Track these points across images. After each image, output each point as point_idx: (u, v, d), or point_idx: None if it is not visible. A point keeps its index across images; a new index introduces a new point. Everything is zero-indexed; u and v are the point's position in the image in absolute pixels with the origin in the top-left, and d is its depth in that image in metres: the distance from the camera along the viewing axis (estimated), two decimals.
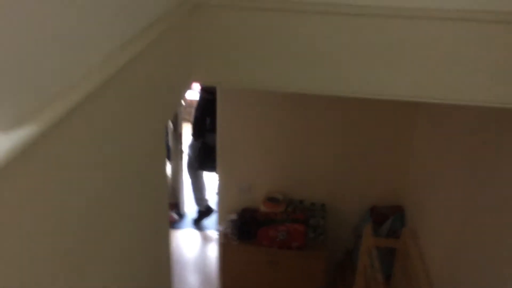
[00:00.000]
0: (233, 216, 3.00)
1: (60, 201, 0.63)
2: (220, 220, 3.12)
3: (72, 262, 0.70)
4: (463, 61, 1.12)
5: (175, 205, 4.84)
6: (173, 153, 4.46)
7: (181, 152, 4.54)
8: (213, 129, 3.55)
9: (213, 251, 4.09)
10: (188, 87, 1.38)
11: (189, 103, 4.86)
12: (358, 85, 1.19)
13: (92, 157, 0.73)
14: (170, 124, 4.33)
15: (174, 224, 4.69)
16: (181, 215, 4.83)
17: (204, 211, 4.49)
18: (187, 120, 5.06)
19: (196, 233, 4.57)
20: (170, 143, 4.26)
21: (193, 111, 4.21)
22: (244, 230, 2.88)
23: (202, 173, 4.33)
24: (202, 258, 4.20)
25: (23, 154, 0.51)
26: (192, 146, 4.15)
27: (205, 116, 3.87)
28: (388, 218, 2.80)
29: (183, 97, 1.38)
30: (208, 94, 3.90)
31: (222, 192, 3.13)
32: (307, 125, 2.87)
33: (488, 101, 1.16)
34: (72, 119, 0.63)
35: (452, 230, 2.05)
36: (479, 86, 1.14)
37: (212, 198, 4.25)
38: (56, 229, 0.62)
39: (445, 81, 1.15)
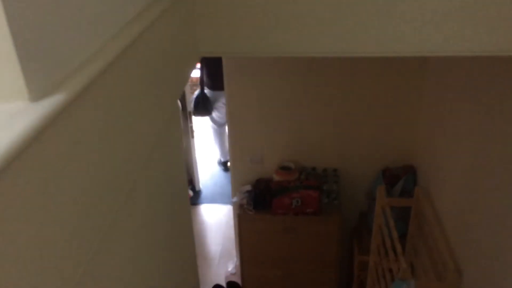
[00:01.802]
0: (247, 187, 3.05)
1: (87, 166, 0.67)
2: (235, 192, 3.18)
3: (97, 226, 0.73)
4: (467, 8, 1.12)
5: (190, 182, 4.94)
6: (184, 131, 4.51)
7: (191, 130, 4.59)
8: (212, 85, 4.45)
9: (230, 224, 4.19)
10: (196, 60, 1.40)
11: (194, 81, 4.87)
12: (363, 44, 1.20)
13: (111, 129, 0.76)
14: (179, 103, 4.37)
15: (189, 200, 4.79)
16: (196, 191, 4.93)
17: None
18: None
19: (212, 207, 4.68)
20: (180, 121, 4.31)
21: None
22: (259, 200, 2.93)
23: (224, 130, 4.85)
24: (219, 232, 4.31)
25: (54, 122, 0.54)
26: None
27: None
28: (401, 179, 2.83)
29: (191, 71, 1.40)
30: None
31: (235, 165, 3.17)
32: (314, 92, 2.88)
33: (500, 50, 1.16)
34: (94, 89, 0.66)
35: (466, 185, 2.08)
36: (488, 34, 1.15)
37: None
38: (84, 194, 0.66)
39: (451, 31, 1.16)
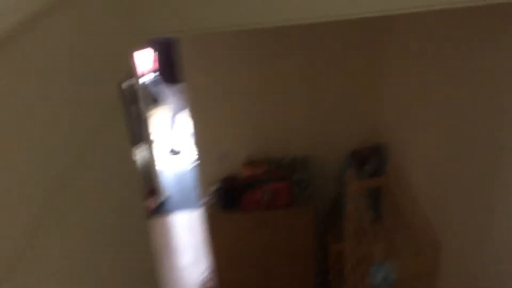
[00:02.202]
0: (215, 186, 2.92)
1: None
2: (203, 193, 3.04)
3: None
4: None
5: (154, 191, 4.76)
6: (142, 138, 4.33)
7: (148, 136, 4.42)
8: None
9: (199, 230, 4.04)
10: (139, 42, 1.27)
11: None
12: (320, 7, 1.11)
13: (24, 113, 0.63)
14: (133, 109, 4.20)
15: (155, 210, 4.61)
16: (162, 200, 4.75)
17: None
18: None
19: (181, 215, 4.51)
20: (135, 128, 4.13)
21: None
22: (228, 198, 2.81)
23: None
24: (191, 239, 4.14)
25: None
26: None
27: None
28: (370, 160, 2.78)
29: (132, 53, 1.26)
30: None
31: (201, 164, 3.04)
32: (274, 80, 2.79)
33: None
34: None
35: (439, 158, 2.03)
36: None
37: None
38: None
39: None
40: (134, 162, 1.56)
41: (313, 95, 2.83)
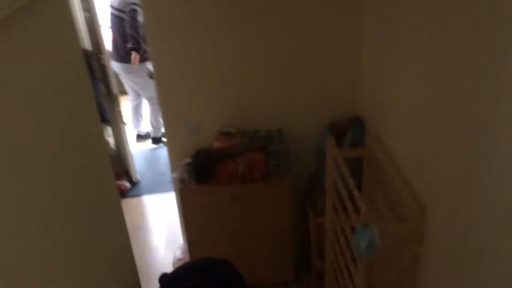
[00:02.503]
0: (187, 160, 2.76)
1: None
2: (173, 168, 2.87)
3: None
4: None
5: (126, 173, 4.57)
6: (112, 117, 4.12)
7: (120, 115, 4.21)
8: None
9: (173, 211, 3.89)
10: None
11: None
12: None
13: None
14: (102, 86, 3.98)
15: (127, 192, 4.43)
16: (133, 183, 4.57)
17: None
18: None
19: (152, 197, 4.34)
20: (105, 106, 3.91)
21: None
22: (201, 171, 2.65)
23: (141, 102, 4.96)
24: (163, 220, 3.98)
25: None
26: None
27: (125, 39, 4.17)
28: (348, 131, 2.67)
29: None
30: (115, 10, 4.19)
31: (170, 136, 2.87)
32: (247, 47, 2.63)
33: None
34: None
35: (419, 121, 1.92)
36: None
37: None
38: None
39: None
40: (103, 137, 1.41)
41: (286, 68, 2.68)
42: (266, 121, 2.81)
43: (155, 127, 5.06)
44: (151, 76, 4.59)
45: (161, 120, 4.97)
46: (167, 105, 2.77)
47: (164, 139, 5.09)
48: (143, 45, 4.24)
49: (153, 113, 4.94)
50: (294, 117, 2.82)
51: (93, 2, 3.67)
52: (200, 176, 2.65)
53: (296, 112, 2.81)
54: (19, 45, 0.75)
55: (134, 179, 4.52)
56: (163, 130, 5.05)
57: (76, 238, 0.88)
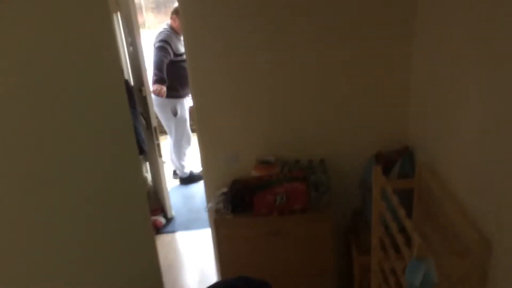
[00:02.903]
0: (223, 190, 2.64)
1: None
2: (209, 198, 2.75)
3: None
4: None
5: (161, 209, 4.49)
6: (149, 150, 4.10)
7: (158, 148, 4.19)
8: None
9: (208, 248, 3.74)
10: None
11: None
12: None
13: None
14: (142, 120, 4.00)
15: (162, 228, 4.33)
16: (168, 219, 4.47)
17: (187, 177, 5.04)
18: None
19: (187, 234, 4.21)
20: (144, 141, 3.89)
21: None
22: (237, 201, 2.52)
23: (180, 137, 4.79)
24: (197, 258, 3.82)
25: None
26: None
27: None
28: (396, 162, 2.48)
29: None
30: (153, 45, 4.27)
31: (206, 166, 2.77)
32: (288, 75, 2.55)
33: None
34: None
35: (478, 147, 1.74)
36: None
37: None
38: None
39: None
40: (141, 172, 1.34)
41: (331, 96, 2.57)
42: (308, 150, 2.67)
43: (177, 166, 5.02)
44: (175, 114, 4.61)
45: (183, 163, 4.96)
46: (205, 134, 2.69)
47: (193, 176, 5.04)
48: (166, 80, 4.32)
49: (175, 152, 4.90)
50: (338, 147, 2.67)
51: (138, 38, 3.75)
52: (236, 206, 2.52)
53: (340, 142, 2.66)
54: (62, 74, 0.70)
55: (169, 215, 4.42)
56: (187, 170, 5.03)
57: (108, 271, 0.79)
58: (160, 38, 4.33)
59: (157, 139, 4.10)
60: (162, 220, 4.31)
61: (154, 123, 4.01)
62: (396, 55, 2.47)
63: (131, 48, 3.84)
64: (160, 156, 4.17)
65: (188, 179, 5.09)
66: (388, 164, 2.52)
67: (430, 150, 2.30)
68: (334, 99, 2.58)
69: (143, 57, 3.85)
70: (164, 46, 4.28)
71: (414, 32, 2.39)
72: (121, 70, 1.69)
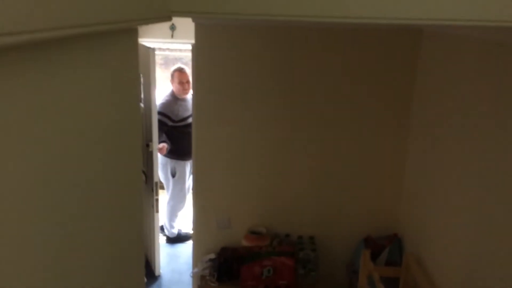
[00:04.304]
0: (211, 256, 2.64)
1: None
2: (196, 262, 2.74)
3: None
4: None
5: (146, 264, 4.40)
6: (146, 206, 4.10)
7: (156, 203, 4.19)
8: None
9: None
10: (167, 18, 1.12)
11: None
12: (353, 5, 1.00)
13: None
14: (142, 175, 4.04)
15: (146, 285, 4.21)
16: (155, 277, 4.37)
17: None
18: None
19: None
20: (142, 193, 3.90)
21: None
22: (224, 270, 2.51)
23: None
24: None
25: None
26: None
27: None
28: (385, 248, 2.51)
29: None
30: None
31: (198, 229, 2.79)
32: (287, 152, 2.63)
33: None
34: None
35: (469, 243, 1.79)
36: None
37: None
38: None
39: None
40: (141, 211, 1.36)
41: (326, 178, 2.65)
42: (299, 226, 2.70)
43: (166, 225, 4.95)
44: (173, 174, 4.65)
45: (173, 224, 4.89)
46: (201, 197, 2.73)
47: (180, 236, 4.95)
48: (166, 142, 4.39)
49: (168, 211, 4.86)
50: (329, 226, 2.70)
51: (154, 94, 3.85)
52: (223, 274, 2.51)
53: (331, 221, 2.70)
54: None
55: (156, 272, 4.33)
56: (175, 230, 4.94)
57: None
58: (158, 109, 4.38)
59: (157, 194, 4.12)
60: (146, 277, 4.23)
61: (156, 178, 4.04)
62: (394, 147, 2.57)
63: (142, 104, 3.97)
64: (157, 211, 4.16)
65: (174, 239, 5.02)
66: (376, 249, 2.54)
67: (418, 240, 2.33)
68: (328, 179, 2.65)
69: (155, 113, 3.94)
70: (159, 118, 4.35)
71: (409, 128, 2.51)
72: (141, 132, 1.73)
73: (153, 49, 3.51)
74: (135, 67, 1.09)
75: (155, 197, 4.02)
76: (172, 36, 3.96)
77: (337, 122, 2.57)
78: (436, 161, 2.15)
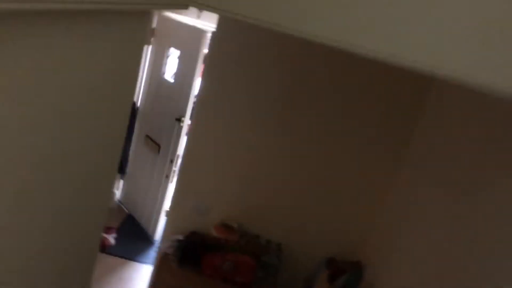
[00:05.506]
0: (179, 236, 2.68)
1: None
2: (164, 239, 2.79)
3: None
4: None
5: (115, 230, 4.43)
6: (158, 175, 4.06)
7: (172, 176, 4.16)
8: None
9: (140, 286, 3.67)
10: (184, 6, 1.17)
11: None
12: (371, 39, 1.05)
13: None
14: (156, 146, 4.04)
15: (109, 249, 4.26)
16: (151, 241, 4.38)
17: None
18: None
19: (130, 264, 4.14)
20: (128, 163, 3.91)
21: None
22: (187, 254, 2.56)
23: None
24: None
25: None
26: None
27: None
28: (345, 273, 2.56)
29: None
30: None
31: (175, 208, 2.83)
32: (275, 158, 2.68)
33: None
34: None
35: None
36: None
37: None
38: None
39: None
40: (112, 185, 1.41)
41: (304, 185, 2.69)
42: (269, 229, 2.75)
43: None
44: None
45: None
46: (186, 180, 2.77)
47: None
48: None
49: None
50: (298, 238, 2.76)
51: (191, 72, 3.80)
52: (185, 258, 2.55)
53: (302, 233, 2.75)
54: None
55: (155, 238, 4.33)
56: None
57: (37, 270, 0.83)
58: None
59: (175, 166, 4.08)
60: (112, 240, 4.26)
61: (179, 151, 4.01)
62: (378, 177, 2.62)
63: (173, 79, 3.96)
64: (172, 181, 4.11)
65: None
66: (337, 272, 2.59)
67: (379, 274, 2.38)
68: (309, 192, 2.70)
69: (194, 91, 3.89)
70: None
71: (401, 164, 2.55)
72: (133, 94, 1.78)
73: (205, 31, 3.47)
74: (140, 47, 1.13)
75: (173, 168, 3.98)
76: (198, 17, 3.94)
77: (329, 139, 2.61)
78: (416, 206, 2.20)
